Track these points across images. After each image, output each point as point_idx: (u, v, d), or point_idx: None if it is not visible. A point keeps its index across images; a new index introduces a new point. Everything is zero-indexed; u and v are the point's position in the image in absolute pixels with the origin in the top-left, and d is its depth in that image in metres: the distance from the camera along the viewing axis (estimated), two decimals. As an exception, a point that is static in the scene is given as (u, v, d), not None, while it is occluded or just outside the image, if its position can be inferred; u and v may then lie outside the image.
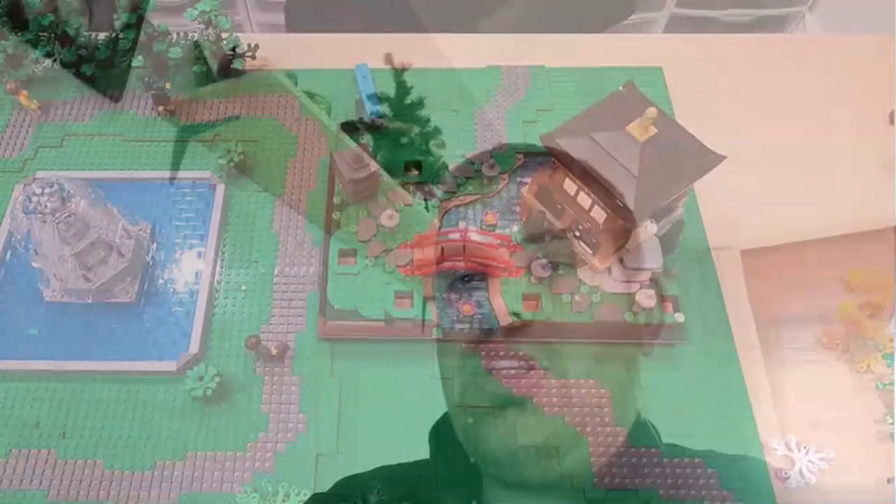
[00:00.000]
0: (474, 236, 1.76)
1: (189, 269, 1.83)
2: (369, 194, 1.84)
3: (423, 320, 1.69)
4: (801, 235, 1.90)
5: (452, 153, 1.98)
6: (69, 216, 1.59)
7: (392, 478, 1.55)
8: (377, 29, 2.34)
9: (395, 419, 1.63)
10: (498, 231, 1.82)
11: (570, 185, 1.60)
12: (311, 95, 2.13)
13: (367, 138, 1.99)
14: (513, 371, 1.67)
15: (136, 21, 2.01)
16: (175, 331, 1.73)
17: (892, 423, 1.61)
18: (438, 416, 1.63)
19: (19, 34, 2.01)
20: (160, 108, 2.07)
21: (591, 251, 1.68)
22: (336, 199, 1.85)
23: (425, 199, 1.86)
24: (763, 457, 1.58)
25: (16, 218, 1.69)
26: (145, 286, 1.79)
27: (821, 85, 2.20)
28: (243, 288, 1.81)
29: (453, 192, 1.88)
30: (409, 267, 1.74)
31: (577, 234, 1.68)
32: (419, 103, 2.10)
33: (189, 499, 1.54)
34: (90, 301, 1.74)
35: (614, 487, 1.54)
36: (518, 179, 1.92)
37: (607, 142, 1.47)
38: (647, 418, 1.63)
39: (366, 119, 2.03)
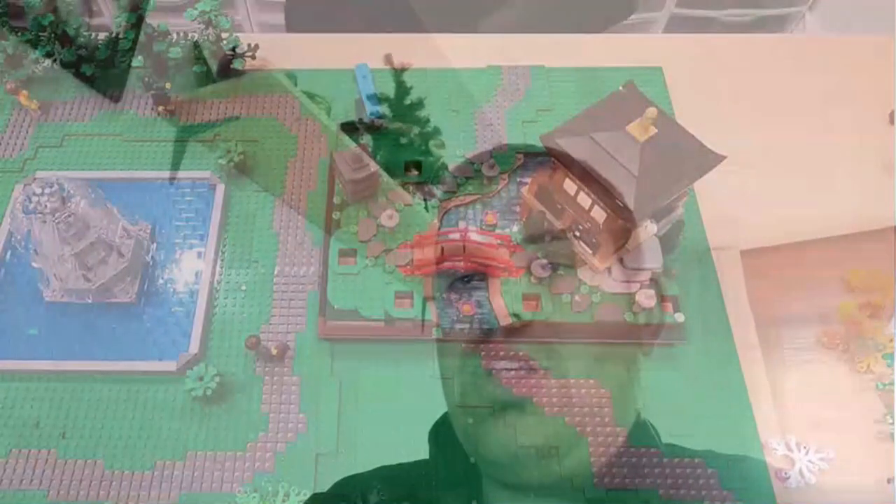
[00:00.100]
0: (474, 236, 1.76)
1: (189, 269, 1.83)
2: (369, 194, 1.84)
3: (423, 320, 1.69)
4: (801, 235, 1.90)
5: (452, 153, 1.98)
6: (69, 216, 1.59)
7: (392, 478, 1.55)
8: (377, 29, 2.34)
9: (395, 419, 1.63)
10: (498, 231, 1.82)
11: (570, 185, 1.60)
12: (310, 96, 2.13)
13: (366, 138, 1.99)
14: (513, 372, 1.67)
15: (136, 21, 2.01)
16: (175, 331, 1.73)
17: (892, 423, 1.61)
18: (438, 416, 1.63)
19: (19, 34, 2.01)
20: (160, 108, 2.07)
21: (591, 251, 1.68)
22: (336, 199, 1.85)
23: (425, 200, 1.86)
24: (763, 457, 1.58)
25: (16, 218, 1.69)
26: (145, 286, 1.79)
27: (821, 85, 2.20)
28: (243, 288, 1.81)
29: (453, 192, 1.88)
30: (409, 267, 1.74)
31: (577, 234, 1.68)
32: (419, 103, 2.10)
33: (189, 499, 1.54)
34: (90, 301, 1.74)
35: (614, 487, 1.54)
36: (518, 179, 1.92)
37: (607, 142, 1.47)
38: (647, 418, 1.63)
39: (365, 119, 2.03)
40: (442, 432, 1.61)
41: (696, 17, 3.16)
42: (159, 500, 1.53)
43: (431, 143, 1.99)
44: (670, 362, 1.71)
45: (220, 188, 1.94)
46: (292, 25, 2.93)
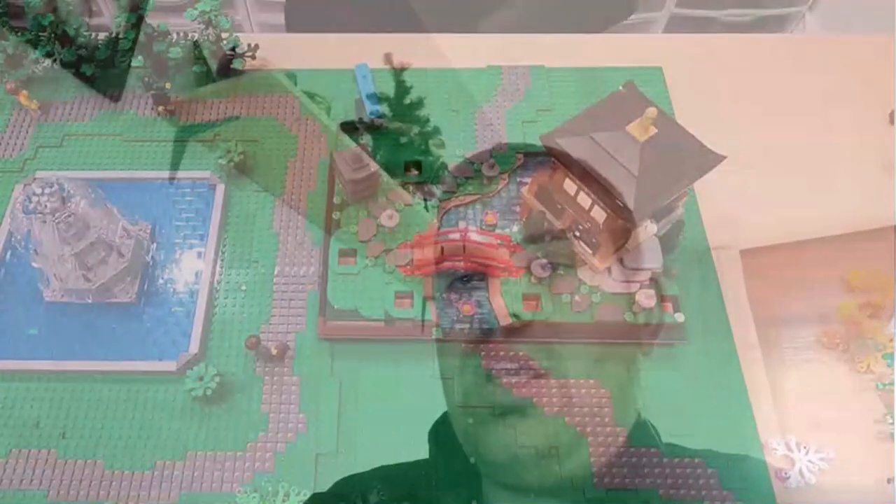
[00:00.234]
0: (474, 236, 1.76)
1: (189, 269, 1.83)
2: (369, 194, 1.84)
3: (423, 320, 1.69)
4: (801, 235, 1.90)
5: (452, 153, 1.98)
6: (69, 216, 1.59)
7: (392, 478, 1.56)
8: (377, 29, 2.34)
9: (395, 419, 1.63)
10: (498, 231, 1.82)
11: (570, 185, 1.60)
12: (310, 95, 2.13)
13: (366, 138, 1.99)
14: (513, 372, 1.67)
15: (136, 21, 2.01)
16: (175, 331, 1.73)
17: (892, 423, 1.61)
18: (438, 416, 1.63)
19: (19, 34, 2.01)
20: (160, 108, 2.07)
21: (591, 251, 1.68)
22: (336, 199, 1.85)
23: (425, 199, 1.86)
24: (763, 457, 1.58)
25: (16, 218, 1.69)
26: (145, 286, 1.79)
27: (821, 85, 2.20)
28: (243, 288, 1.81)
29: (453, 192, 1.88)
30: (409, 267, 1.74)
31: (577, 234, 1.68)
32: (419, 103, 2.10)
33: (189, 499, 1.54)
34: (90, 301, 1.74)
35: (614, 487, 1.54)
36: (518, 179, 1.92)
37: (607, 142, 1.47)
38: (647, 418, 1.63)
39: (365, 119, 2.03)
40: (442, 432, 1.61)
41: (696, 17, 3.16)
42: (159, 500, 1.53)
43: (431, 142, 1.99)
44: (670, 362, 1.71)
45: (220, 188, 1.94)
46: (292, 25, 2.93)
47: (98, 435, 1.61)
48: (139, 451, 1.59)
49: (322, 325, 1.71)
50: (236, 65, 2.10)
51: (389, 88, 2.14)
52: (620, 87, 1.59)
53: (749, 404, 1.65)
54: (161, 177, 1.97)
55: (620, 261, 1.67)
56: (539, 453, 1.58)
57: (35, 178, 1.88)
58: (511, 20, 2.71)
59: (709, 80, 2.21)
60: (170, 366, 1.66)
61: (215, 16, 1.99)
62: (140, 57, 2.03)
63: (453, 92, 2.15)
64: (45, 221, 1.58)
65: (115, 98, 2.11)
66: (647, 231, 1.63)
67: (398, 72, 2.17)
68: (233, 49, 2.09)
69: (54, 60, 2.04)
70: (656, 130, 1.46)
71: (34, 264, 1.71)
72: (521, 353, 1.69)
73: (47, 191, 1.57)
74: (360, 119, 2.03)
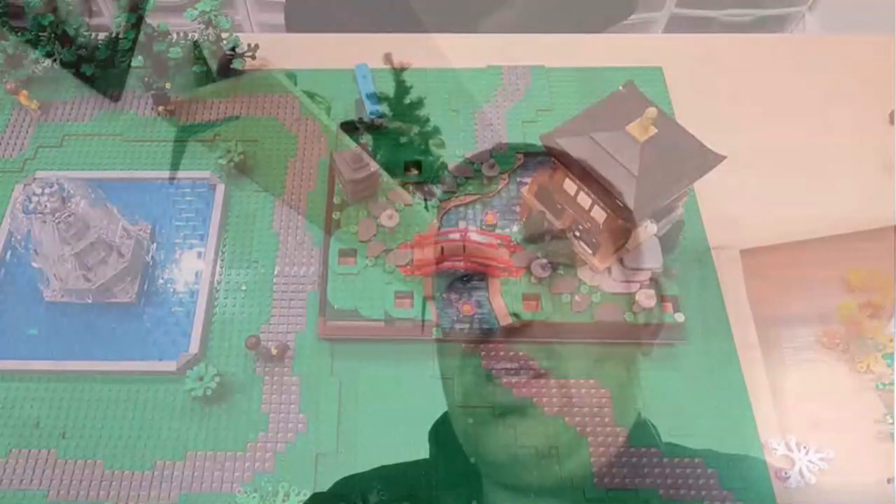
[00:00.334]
0: (474, 236, 1.76)
1: (189, 269, 1.83)
2: (369, 194, 1.84)
3: (423, 320, 1.69)
4: (801, 235, 1.90)
5: (452, 153, 1.98)
6: (69, 216, 1.59)
7: (392, 478, 1.56)
8: (377, 29, 2.34)
9: (395, 419, 1.63)
10: (498, 231, 1.82)
11: (570, 185, 1.60)
12: (310, 95, 2.13)
13: (366, 138, 1.99)
14: (513, 372, 1.67)
15: (136, 21, 2.01)
16: (175, 331, 1.73)
17: (892, 423, 1.61)
18: (438, 416, 1.63)
19: (19, 34, 2.01)
20: (160, 108, 2.07)
21: (591, 251, 1.68)
22: (336, 199, 1.85)
23: (424, 199, 1.86)
24: (763, 457, 1.58)
25: (16, 218, 1.69)
26: (145, 286, 1.79)
27: (821, 85, 2.20)
28: (243, 288, 1.81)
29: (453, 192, 1.88)
30: (409, 267, 1.74)
31: (577, 234, 1.68)
32: (419, 103, 2.10)
33: (189, 499, 1.54)
34: (90, 301, 1.74)
35: (614, 487, 1.54)
36: (518, 179, 1.92)
37: (607, 142, 1.47)
38: (646, 418, 1.63)
39: (365, 119, 2.03)
40: (442, 432, 1.61)
41: (696, 17, 3.16)
42: (159, 500, 1.53)
43: (431, 142, 1.99)
44: (670, 362, 1.71)
45: (220, 188, 1.94)
46: (292, 25, 2.93)
47: (98, 435, 1.61)
48: (139, 451, 1.59)
49: (322, 325, 1.71)
50: (236, 65, 2.10)
51: (389, 88, 2.14)
52: (620, 87, 1.59)
53: (749, 404, 1.65)
54: (161, 177, 1.97)
55: (620, 261, 1.67)
56: (539, 453, 1.58)
57: (35, 178, 1.88)
58: (511, 20, 2.71)
59: (709, 80, 2.21)
60: (170, 366, 1.66)
61: (215, 16, 1.99)
62: (140, 57, 2.03)
63: (453, 92, 2.15)
64: (45, 221, 1.58)
65: (115, 98, 2.11)
66: (647, 231, 1.63)
67: (398, 72, 2.17)
68: (233, 49, 2.09)
69: (54, 60, 2.04)
70: (656, 130, 1.46)
71: (34, 264, 1.71)
72: (521, 353, 1.69)
73: (47, 191, 1.57)
74: (360, 119, 2.04)
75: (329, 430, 1.62)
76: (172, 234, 1.88)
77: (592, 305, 1.70)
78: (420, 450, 1.59)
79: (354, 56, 2.18)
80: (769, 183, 1.98)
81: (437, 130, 2.03)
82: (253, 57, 2.16)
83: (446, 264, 1.74)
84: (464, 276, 1.76)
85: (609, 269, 1.70)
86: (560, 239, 1.73)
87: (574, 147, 1.51)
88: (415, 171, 1.91)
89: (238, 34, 2.10)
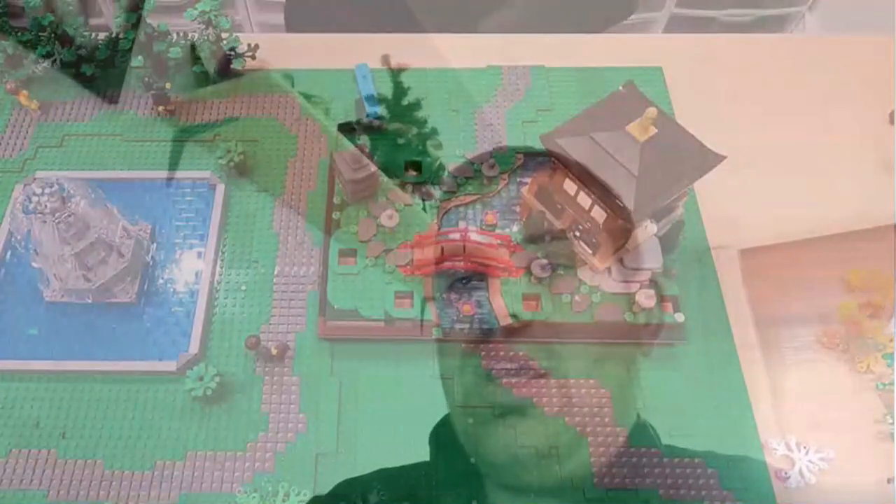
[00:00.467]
0: (474, 236, 1.76)
1: (189, 269, 1.83)
2: (369, 194, 1.84)
3: (422, 320, 1.69)
4: (800, 235, 1.90)
5: (452, 153, 1.98)
6: (69, 216, 1.59)
7: (392, 478, 1.56)
8: (377, 29, 2.34)
9: (395, 419, 1.63)
10: (498, 231, 1.82)
11: (570, 185, 1.60)
12: (310, 96, 2.13)
13: (364, 139, 1.99)
14: (513, 372, 1.67)
15: (136, 21, 2.01)
16: (175, 331, 1.73)
17: (892, 423, 1.61)
18: (438, 416, 1.63)
19: (19, 34, 2.01)
20: (160, 108, 2.07)
21: (591, 251, 1.68)
22: (336, 199, 1.85)
23: (423, 200, 1.86)
24: (763, 457, 1.58)
25: (16, 218, 1.69)
26: (145, 286, 1.79)
27: (821, 85, 2.20)
28: (243, 288, 1.81)
29: (453, 193, 1.88)
30: (409, 267, 1.74)
31: (577, 234, 1.68)
32: (419, 104, 2.10)
33: (189, 499, 1.54)
34: (90, 301, 1.74)
35: (614, 487, 1.54)
36: (518, 179, 1.92)
37: (607, 142, 1.47)
38: (646, 418, 1.63)
39: (364, 120, 2.03)
40: (442, 433, 1.61)
41: (696, 17, 3.16)
42: (159, 500, 1.53)
43: (430, 143, 1.99)
44: (670, 362, 1.71)
45: (220, 188, 1.94)
46: (292, 25, 2.93)
47: (98, 435, 1.61)
48: (139, 451, 1.59)
49: (322, 325, 1.71)
50: (236, 65, 2.10)
51: (390, 88, 2.14)
52: (620, 87, 1.59)
53: (749, 404, 1.65)
54: (161, 177, 1.97)
55: (620, 261, 1.67)
56: (539, 453, 1.58)
57: (35, 178, 1.87)
58: (511, 20, 2.71)
59: (709, 80, 2.21)
60: (170, 366, 1.66)
61: (215, 16, 1.98)
62: (140, 57, 2.03)
63: (453, 92, 2.15)
64: (45, 221, 1.58)
65: (112, 98, 2.11)
66: (647, 231, 1.63)
67: (396, 72, 2.17)
68: (233, 49, 2.09)
69: (54, 61, 2.04)
70: (656, 130, 1.46)
71: (34, 264, 1.71)
72: (521, 354, 1.69)
73: (47, 191, 1.57)
74: (358, 120, 2.03)
75: (329, 430, 1.62)
76: (172, 234, 1.88)
77: (592, 305, 1.70)
78: (420, 450, 1.59)
79: (354, 56, 2.18)
80: (769, 183, 1.98)
81: (437, 131, 2.03)
82: (253, 57, 2.16)
83: (446, 264, 1.74)
84: (464, 276, 1.76)
85: (609, 269, 1.70)
86: (560, 239, 1.73)
87: (574, 147, 1.51)
88: (415, 172, 1.90)
89: (238, 34, 2.10)
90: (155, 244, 1.86)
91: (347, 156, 1.78)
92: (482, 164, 1.91)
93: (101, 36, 2.11)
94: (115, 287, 1.74)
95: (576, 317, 1.69)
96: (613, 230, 1.57)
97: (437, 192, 1.88)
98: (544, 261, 1.72)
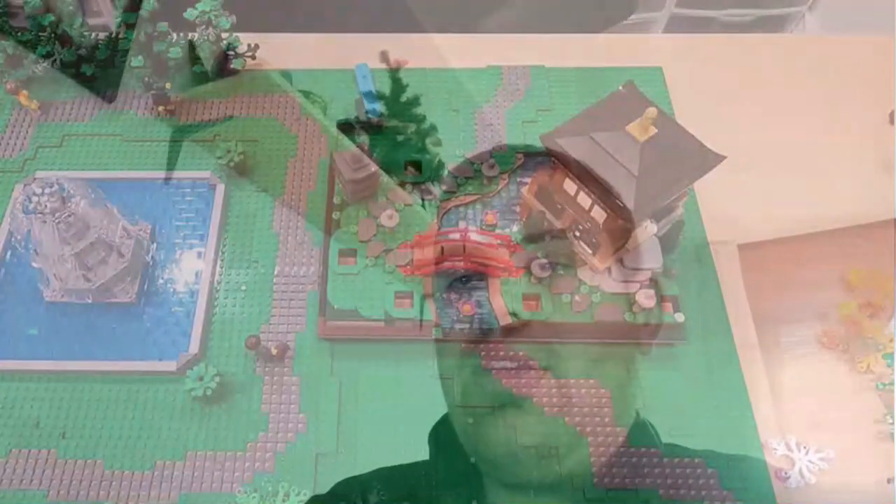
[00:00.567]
0: (474, 236, 1.76)
1: (189, 269, 1.83)
2: (369, 194, 1.84)
3: (422, 320, 1.69)
4: (801, 235, 1.90)
5: (452, 153, 1.98)
6: (69, 216, 1.59)
7: (392, 478, 1.56)
8: (377, 29, 2.34)
9: (395, 419, 1.63)
10: (498, 231, 1.82)
11: (570, 185, 1.60)
12: (307, 96, 2.13)
13: (364, 138, 1.99)
14: (513, 372, 1.67)
15: (136, 21, 2.01)
16: (175, 331, 1.73)
17: (892, 423, 1.61)
18: (438, 416, 1.63)
19: (19, 34, 2.01)
20: (160, 108, 2.07)
21: (591, 251, 1.68)
22: (336, 199, 1.85)
23: (423, 199, 1.86)
24: (763, 457, 1.58)
25: (16, 218, 1.69)
26: (145, 286, 1.79)
27: (821, 85, 2.20)
28: (243, 288, 1.81)
29: (453, 192, 1.88)
30: (409, 267, 1.74)
31: (577, 234, 1.68)
32: (419, 104, 2.10)
33: (189, 499, 1.54)
34: (90, 301, 1.74)
35: (614, 487, 1.54)
36: (518, 179, 1.92)
37: (607, 142, 1.47)
38: (646, 418, 1.63)
39: (362, 118, 2.03)
40: (442, 432, 1.61)
41: (696, 17, 3.16)
42: (159, 500, 1.53)
43: (430, 142, 1.99)
44: (670, 362, 1.71)
45: (220, 188, 1.94)
46: (292, 25, 2.92)
47: (98, 435, 1.61)
48: (139, 451, 1.59)
49: (322, 325, 1.71)
50: (236, 65, 2.10)
51: (389, 88, 2.13)
52: (620, 87, 1.59)
53: (749, 404, 1.65)
54: (161, 177, 1.97)
55: (620, 261, 1.67)
56: (539, 453, 1.58)
57: (35, 178, 1.87)
58: (511, 20, 2.72)
59: (709, 80, 2.21)
60: (170, 366, 1.66)
61: (215, 16, 1.99)
62: (140, 57, 2.03)
63: (453, 92, 2.15)
64: (45, 221, 1.58)
65: (110, 98, 2.11)
66: (647, 231, 1.63)
67: (395, 71, 2.17)
68: (233, 49, 2.09)
69: (54, 61, 2.04)
70: (656, 130, 1.46)
71: (34, 264, 1.71)
72: (521, 353, 1.69)
73: (47, 191, 1.57)
74: (357, 118, 2.03)
75: (329, 430, 1.62)
76: (172, 234, 1.88)
77: (592, 305, 1.70)
78: (420, 450, 1.59)
79: (354, 56, 2.18)
80: (769, 183, 1.98)
81: (437, 131, 2.03)
82: (253, 57, 2.16)
83: (446, 264, 1.74)
84: (464, 276, 1.76)
85: (609, 269, 1.70)
86: (560, 239, 1.73)
87: (574, 147, 1.51)
88: (415, 172, 1.90)
89: (238, 34, 2.10)
90: (155, 244, 1.86)
91: (347, 156, 1.78)
92: (482, 163, 1.91)
93: (101, 36, 2.11)
94: (115, 287, 1.74)
95: (576, 317, 1.69)
96: (613, 230, 1.57)
97: (436, 189, 1.88)
98: (544, 261, 1.72)
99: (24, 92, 2.03)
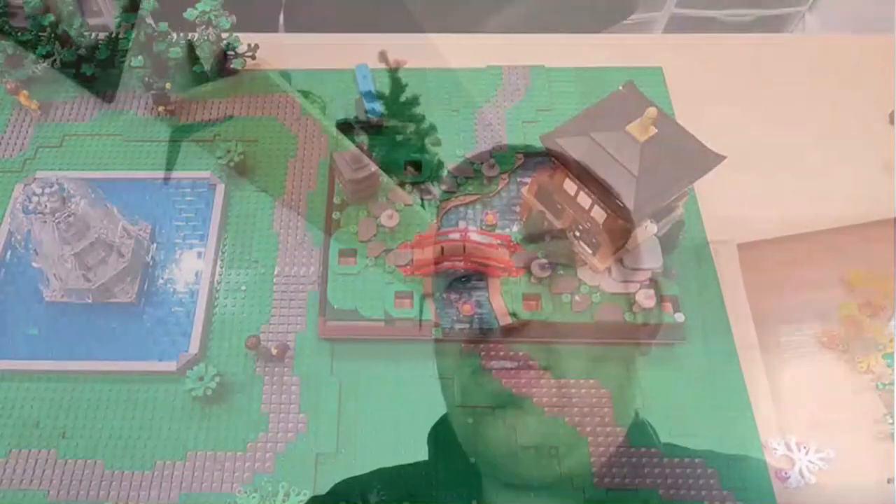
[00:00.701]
0: (474, 236, 1.76)
1: (189, 269, 1.83)
2: (369, 194, 1.84)
3: (421, 320, 1.69)
4: (801, 235, 1.90)
5: (452, 153, 1.98)
6: (69, 216, 1.59)
7: (392, 478, 1.56)
8: (376, 29, 2.34)
9: (395, 419, 1.63)
10: (498, 231, 1.82)
11: (570, 185, 1.60)
12: (310, 95, 2.13)
13: (363, 138, 1.99)
14: (513, 372, 1.67)
15: (136, 21, 2.01)
16: (175, 331, 1.73)
17: (892, 423, 1.61)
18: (438, 416, 1.63)
19: (19, 34, 2.01)
20: (160, 108, 2.07)
21: (591, 251, 1.68)
22: (336, 199, 1.85)
23: (422, 199, 1.86)
24: (763, 457, 1.58)
25: (16, 218, 1.70)
26: (145, 286, 1.79)
27: (821, 85, 2.20)
28: (243, 288, 1.81)
29: (453, 192, 1.88)
30: (408, 267, 1.74)
31: (577, 234, 1.68)
32: (419, 104, 2.10)
33: (189, 499, 1.54)
34: (90, 301, 1.74)
35: (614, 487, 1.54)
36: (518, 179, 1.92)
37: (607, 142, 1.47)
38: (646, 418, 1.63)
39: (362, 118, 2.02)
40: (442, 432, 1.61)
41: (696, 17, 3.16)
42: (159, 500, 1.53)
43: (430, 142, 1.99)
44: (670, 362, 1.71)
45: (220, 188, 1.94)
46: (291, 25, 2.93)
47: (98, 435, 1.61)
48: (139, 451, 1.59)
49: (322, 325, 1.71)
50: (236, 65, 2.10)
51: (389, 88, 2.14)
52: (620, 87, 1.59)
53: (749, 404, 1.65)
54: (161, 177, 1.97)
55: (620, 261, 1.67)
56: (539, 453, 1.58)
57: (35, 178, 1.87)
58: (511, 20, 2.71)
59: (709, 80, 2.21)
60: (170, 366, 1.66)
61: (215, 16, 1.99)
62: (140, 57, 2.03)
63: (453, 92, 2.15)
64: (45, 221, 1.58)
65: (110, 99, 2.11)
66: (647, 231, 1.63)
67: (394, 70, 2.17)
68: (233, 49, 2.09)
69: (54, 61, 2.04)
70: (656, 130, 1.46)
71: (34, 264, 1.71)
72: (521, 353, 1.69)
73: (47, 191, 1.57)
74: (356, 118, 2.03)
75: (329, 430, 1.62)
76: (172, 234, 1.88)
77: (592, 305, 1.70)
78: (420, 450, 1.59)
79: (354, 56, 2.18)
80: (769, 183, 1.98)
81: (437, 130, 2.03)
82: (253, 57, 2.16)
83: (446, 264, 1.74)
84: (464, 276, 1.76)
85: (609, 269, 1.70)
86: (560, 239, 1.72)
87: (574, 147, 1.51)
88: (415, 172, 1.90)
89: (238, 34, 2.10)
90: (155, 244, 1.86)
91: (347, 156, 1.78)
92: (482, 163, 1.91)
93: (101, 36, 2.11)
94: (115, 287, 1.74)
95: (576, 317, 1.69)
96: (613, 230, 1.57)
97: (436, 189, 1.88)
98: (544, 261, 1.72)
99: (24, 92, 2.03)
